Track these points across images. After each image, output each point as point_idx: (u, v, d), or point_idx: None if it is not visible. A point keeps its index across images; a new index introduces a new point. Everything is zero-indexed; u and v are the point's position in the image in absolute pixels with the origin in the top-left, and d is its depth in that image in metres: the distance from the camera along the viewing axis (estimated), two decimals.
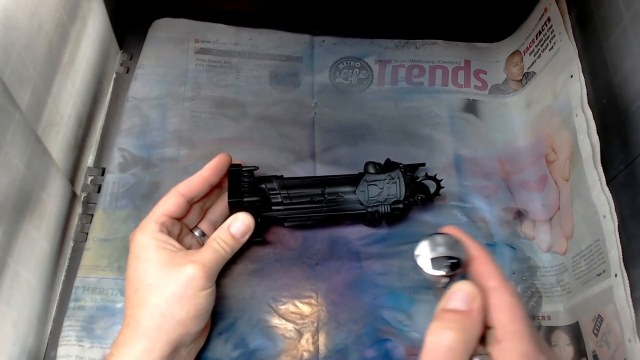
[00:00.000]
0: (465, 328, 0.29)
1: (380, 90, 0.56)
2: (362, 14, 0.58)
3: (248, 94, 0.54)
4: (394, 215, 0.46)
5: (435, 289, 0.33)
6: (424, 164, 0.48)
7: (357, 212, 0.46)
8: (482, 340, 0.30)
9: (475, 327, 0.29)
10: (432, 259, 0.32)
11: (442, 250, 0.33)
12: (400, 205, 0.45)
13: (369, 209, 0.45)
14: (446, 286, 0.32)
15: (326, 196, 0.45)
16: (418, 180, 0.47)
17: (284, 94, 0.55)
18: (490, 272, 0.32)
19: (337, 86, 0.56)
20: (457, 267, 0.32)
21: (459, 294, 0.30)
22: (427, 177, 0.48)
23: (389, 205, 0.45)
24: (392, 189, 0.46)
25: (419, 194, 0.47)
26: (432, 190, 0.48)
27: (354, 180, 0.46)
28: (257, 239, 0.44)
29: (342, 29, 0.58)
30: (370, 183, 0.46)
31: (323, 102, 0.55)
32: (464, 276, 0.33)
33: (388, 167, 0.47)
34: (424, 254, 0.33)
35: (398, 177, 0.46)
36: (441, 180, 0.48)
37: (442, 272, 0.32)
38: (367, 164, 0.48)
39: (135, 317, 0.36)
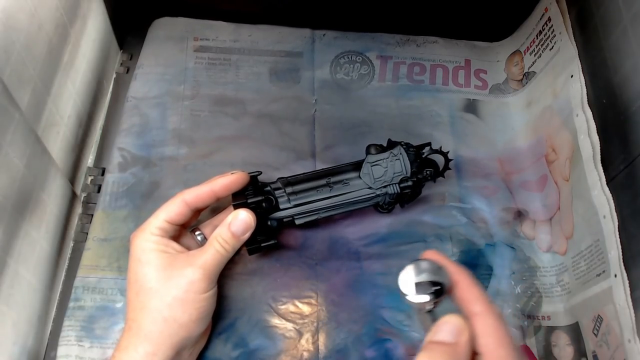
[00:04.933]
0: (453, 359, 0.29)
1: (382, 86, 0.56)
2: (363, 8, 0.58)
3: (248, 91, 0.54)
4: (404, 195, 0.45)
5: (419, 315, 0.33)
6: (429, 143, 0.46)
7: (366, 197, 0.44)
8: None
9: (462, 358, 0.29)
10: (416, 285, 0.32)
11: (425, 276, 0.32)
12: (409, 183, 0.44)
13: (378, 191, 0.44)
14: (431, 311, 0.32)
15: (331, 185, 0.44)
16: (424, 156, 0.46)
17: (284, 90, 0.54)
18: (474, 296, 0.31)
19: (338, 82, 0.56)
20: (441, 294, 0.32)
21: (447, 326, 0.30)
22: (433, 151, 0.46)
23: (397, 185, 0.44)
24: (396, 165, 0.45)
25: (427, 169, 0.45)
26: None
27: (357, 165, 0.45)
28: (269, 242, 0.43)
29: (343, 23, 0.58)
30: (373, 164, 0.45)
31: (323, 98, 0.54)
32: (448, 300, 0.33)
33: (390, 146, 0.46)
34: (408, 280, 0.32)
35: (400, 153, 0.45)
36: (448, 152, 0.46)
37: (427, 298, 0.31)
38: (368, 146, 0.46)
39: (137, 321, 0.36)
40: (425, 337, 0.31)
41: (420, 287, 0.32)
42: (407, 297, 0.32)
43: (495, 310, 0.31)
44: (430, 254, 0.34)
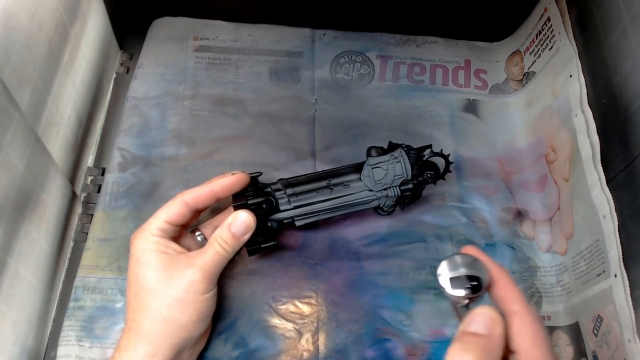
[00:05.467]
0: (485, 351, 0.29)
1: (382, 86, 0.56)
2: (363, 8, 0.58)
3: (248, 91, 0.54)
4: (405, 198, 0.45)
5: (456, 309, 0.33)
6: (430, 146, 0.46)
7: (367, 199, 0.44)
8: None
9: (495, 351, 0.29)
10: (452, 279, 0.32)
11: (462, 270, 0.32)
12: (410, 185, 0.45)
13: (378, 194, 0.44)
14: (468, 307, 0.32)
15: (332, 187, 0.44)
16: (425, 159, 0.46)
17: (284, 90, 0.54)
18: (512, 296, 0.31)
19: (338, 82, 0.56)
20: (478, 289, 0.31)
21: (481, 317, 0.30)
22: (434, 153, 0.46)
23: (397, 187, 0.45)
24: (397, 168, 0.45)
25: (428, 171, 0.45)
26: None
27: (358, 168, 0.45)
28: (269, 243, 0.43)
29: (343, 23, 0.58)
30: (374, 166, 0.45)
31: (323, 98, 0.54)
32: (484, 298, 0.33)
33: (391, 148, 0.46)
34: (445, 273, 0.32)
35: (401, 156, 0.45)
36: (449, 155, 0.46)
37: (463, 293, 0.31)
38: (369, 148, 0.46)
39: (137, 321, 0.36)
40: (459, 328, 0.30)
41: (456, 281, 0.32)
42: (445, 290, 0.32)
43: (533, 311, 0.31)
44: (471, 250, 0.34)
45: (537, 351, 0.29)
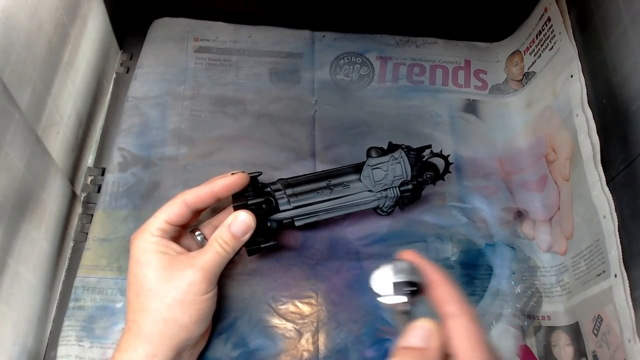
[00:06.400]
0: None
1: (382, 87, 0.56)
2: (363, 9, 0.58)
3: (248, 92, 0.54)
4: (404, 198, 0.45)
5: (395, 315, 0.32)
6: (429, 146, 0.46)
7: (366, 200, 0.45)
8: None
9: None
10: (393, 284, 0.31)
11: (400, 277, 0.32)
12: (409, 186, 0.45)
13: (378, 195, 0.44)
14: (408, 313, 0.31)
15: (332, 187, 0.44)
16: (424, 159, 0.46)
17: (284, 91, 0.54)
18: (449, 297, 0.31)
19: (338, 83, 0.56)
20: (416, 294, 0.31)
21: (418, 330, 0.30)
22: (433, 154, 0.46)
23: (397, 188, 0.45)
24: (397, 169, 0.45)
25: (428, 172, 0.45)
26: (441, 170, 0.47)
27: (358, 168, 0.45)
28: (269, 243, 0.43)
29: (343, 24, 0.58)
30: (374, 167, 0.45)
31: (323, 99, 0.54)
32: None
33: (391, 149, 0.46)
34: (382, 280, 0.32)
35: (401, 157, 0.45)
36: (448, 155, 0.46)
37: (401, 299, 0.31)
38: (369, 149, 0.46)
39: (137, 322, 0.36)
40: (397, 342, 0.30)
41: (396, 287, 0.31)
42: (380, 299, 0.31)
43: (470, 311, 0.31)
44: (406, 254, 0.33)
45: (474, 353, 0.29)
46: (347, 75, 0.56)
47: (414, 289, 0.31)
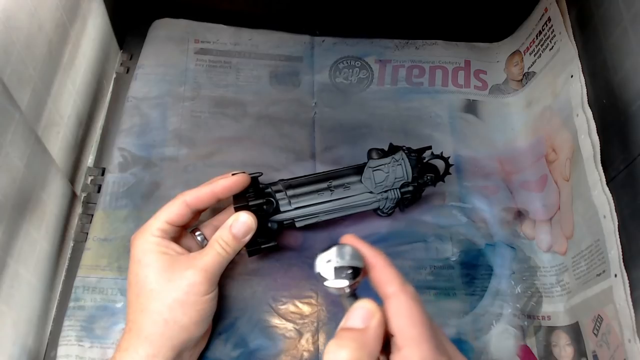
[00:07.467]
0: (362, 345, 0.28)
1: (381, 90, 0.56)
2: (362, 14, 0.58)
3: (248, 94, 0.54)
4: (405, 199, 0.45)
5: (341, 299, 0.33)
6: (430, 147, 0.47)
7: (367, 201, 0.45)
8: (388, 348, 0.30)
9: (373, 343, 0.29)
10: (334, 269, 0.32)
11: (340, 261, 0.32)
12: (410, 188, 0.45)
13: (378, 196, 0.44)
14: (353, 296, 0.32)
15: (332, 189, 0.44)
16: (425, 161, 0.46)
17: (284, 93, 0.55)
18: (388, 277, 0.31)
19: (337, 86, 0.56)
20: (356, 276, 0.32)
21: (358, 311, 0.30)
22: (434, 156, 0.46)
23: (398, 190, 0.45)
24: (397, 171, 0.45)
25: (428, 174, 0.45)
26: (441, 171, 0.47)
27: (358, 170, 0.45)
28: (269, 244, 0.43)
29: (342, 29, 0.58)
30: (374, 169, 0.45)
31: (323, 101, 0.55)
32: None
33: (392, 151, 0.46)
34: (325, 264, 0.32)
35: (402, 159, 0.45)
36: (449, 157, 0.47)
37: (343, 283, 0.31)
38: (370, 150, 0.46)
39: (138, 322, 0.36)
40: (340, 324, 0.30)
41: (337, 272, 0.32)
42: (325, 283, 0.32)
43: (409, 289, 0.31)
44: (347, 239, 0.33)
45: (413, 329, 0.29)
46: (346, 78, 0.56)
47: (355, 272, 0.32)
